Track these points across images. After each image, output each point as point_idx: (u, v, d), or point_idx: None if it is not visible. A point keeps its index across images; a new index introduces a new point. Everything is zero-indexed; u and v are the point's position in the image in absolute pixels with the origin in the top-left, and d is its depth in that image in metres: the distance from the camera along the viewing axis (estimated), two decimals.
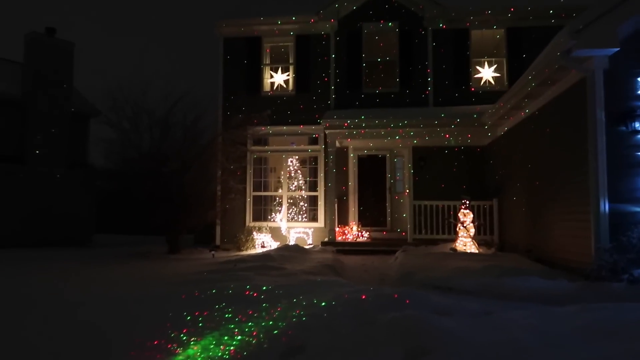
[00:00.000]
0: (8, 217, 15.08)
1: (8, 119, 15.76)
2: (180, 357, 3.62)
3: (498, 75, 13.69)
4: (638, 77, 6.93)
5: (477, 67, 13.77)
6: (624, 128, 6.85)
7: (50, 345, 4.03)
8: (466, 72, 13.65)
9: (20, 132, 15.88)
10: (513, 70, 13.04)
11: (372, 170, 14.40)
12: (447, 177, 13.01)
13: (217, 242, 13.98)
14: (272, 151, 14.49)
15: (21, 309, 5.40)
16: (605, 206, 6.71)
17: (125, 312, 5.01)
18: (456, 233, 11.08)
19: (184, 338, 4.02)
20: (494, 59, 13.84)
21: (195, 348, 3.79)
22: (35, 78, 16.03)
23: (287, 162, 14.22)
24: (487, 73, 13.73)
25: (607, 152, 6.77)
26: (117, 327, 4.44)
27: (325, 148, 13.59)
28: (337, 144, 13.34)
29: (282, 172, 14.28)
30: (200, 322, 4.47)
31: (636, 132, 6.81)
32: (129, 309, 5.15)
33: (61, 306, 5.47)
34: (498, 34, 13.78)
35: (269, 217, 14.12)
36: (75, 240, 16.33)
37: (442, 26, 13.72)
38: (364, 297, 4.83)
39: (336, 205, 13.11)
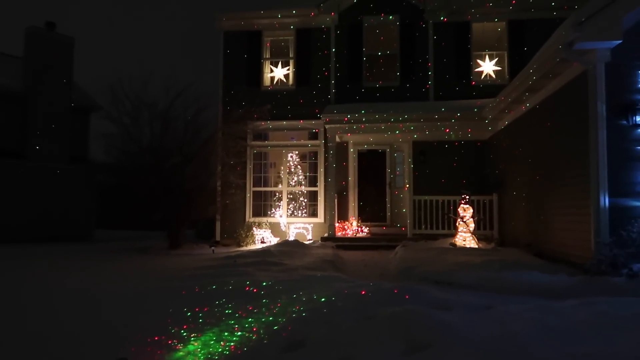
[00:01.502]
0: (8, 213, 15.10)
1: (9, 114, 15.74)
2: (181, 353, 3.62)
3: (499, 68, 13.63)
4: None
5: (478, 61, 13.70)
6: (625, 122, 6.81)
7: (52, 340, 4.03)
8: (467, 65, 13.60)
9: (20, 127, 15.87)
10: (514, 64, 12.98)
11: (372, 165, 14.38)
12: (448, 171, 12.98)
13: (217, 237, 13.98)
14: (272, 146, 14.46)
15: (24, 306, 5.41)
16: (605, 200, 6.69)
17: (126, 308, 5.01)
18: (456, 228, 11.07)
19: (184, 334, 4.02)
20: (495, 52, 13.77)
21: (196, 344, 3.79)
22: (36, 73, 16.00)
23: (287, 157, 14.19)
24: (488, 66, 13.67)
25: (607, 146, 6.74)
26: (118, 323, 4.44)
27: (325, 143, 13.56)
28: (337, 139, 13.31)
29: (282, 167, 14.26)
30: (200, 317, 4.47)
31: (637, 126, 6.78)
32: (130, 305, 5.16)
33: (61, 302, 5.47)
34: (499, 26, 13.71)
35: (269, 212, 14.11)
36: (76, 236, 16.36)
37: (443, 19, 13.65)
38: (363, 292, 4.83)
39: (336, 200, 13.10)
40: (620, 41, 6.65)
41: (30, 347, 3.91)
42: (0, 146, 15.41)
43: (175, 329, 4.14)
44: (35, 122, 15.86)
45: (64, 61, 16.71)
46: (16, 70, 16.59)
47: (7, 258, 10.41)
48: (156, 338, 3.91)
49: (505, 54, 13.51)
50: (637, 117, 6.74)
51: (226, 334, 3.99)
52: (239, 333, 3.98)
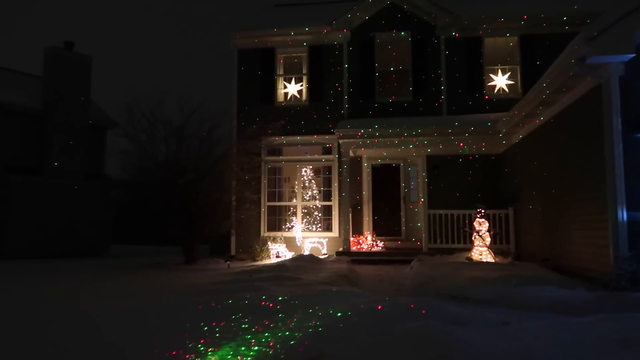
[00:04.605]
0: (27, 229, 15.36)
1: (27, 131, 16.12)
2: None
3: (512, 82, 13.63)
4: None
5: (491, 75, 13.73)
6: None
7: (69, 353, 4.09)
8: (479, 80, 13.62)
9: (38, 144, 16.22)
10: (527, 78, 12.98)
11: (386, 180, 14.37)
12: (462, 185, 12.94)
13: (232, 252, 14.05)
14: (286, 161, 14.56)
15: (43, 321, 5.49)
16: (623, 214, 6.62)
17: (143, 323, 5.07)
18: (472, 242, 11.00)
19: (202, 348, 4.05)
20: (507, 67, 13.79)
21: (213, 359, 3.82)
22: (54, 91, 16.38)
23: (301, 172, 14.28)
24: (500, 81, 13.68)
25: (624, 160, 6.69)
26: (136, 337, 4.49)
27: (339, 157, 13.62)
28: (351, 154, 13.37)
29: (296, 182, 14.33)
30: (217, 332, 4.50)
31: None
32: (148, 319, 5.21)
33: (82, 318, 5.55)
34: (511, 41, 13.75)
35: (284, 227, 14.16)
36: (92, 251, 16.56)
37: (455, 34, 13.73)
38: (379, 307, 4.82)
39: (350, 214, 13.10)
40: (634, 55, 6.64)
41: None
42: (19, 163, 15.76)
43: (193, 343, 4.18)
44: (53, 139, 16.19)
45: (82, 79, 17.09)
46: (35, 89, 17.00)
47: (29, 273, 10.57)
48: (174, 352, 3.95)
49: (518, 68, 13.52)
50: None
51: (243, 348, 4.01)
52: (256, 348, 4.00)
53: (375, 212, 14.18)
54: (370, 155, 14.30)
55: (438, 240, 12.07)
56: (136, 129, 12.73)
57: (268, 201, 14.35)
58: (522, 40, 13.46)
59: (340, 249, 12.69)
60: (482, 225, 10.88)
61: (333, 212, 13.91)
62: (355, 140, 12.86)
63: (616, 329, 3.87)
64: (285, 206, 14.38)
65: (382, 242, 13.29)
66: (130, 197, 15.02)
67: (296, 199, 14.25)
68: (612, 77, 6.78)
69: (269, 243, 13.21)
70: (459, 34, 13.72)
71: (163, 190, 12.24)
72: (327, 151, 14.27)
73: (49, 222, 15.79)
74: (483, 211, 11.07)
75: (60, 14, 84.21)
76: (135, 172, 13.14)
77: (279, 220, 14.32)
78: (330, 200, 14.02)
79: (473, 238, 10.93)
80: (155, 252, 17.08)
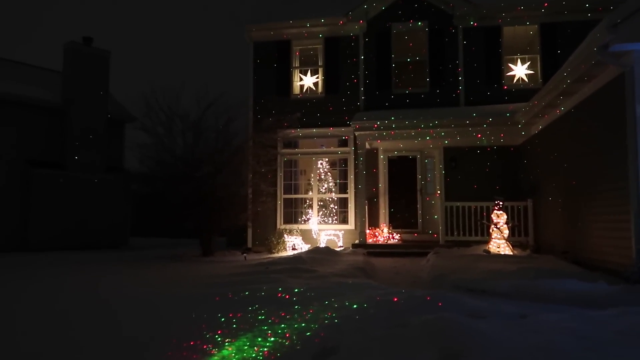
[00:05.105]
0: (49, 221, 15.67)
1: (48, 126, 16.39)
2: (216, 358, 3.68)
3: (531, 72, 13.38)
4: None
5: (510, 65, 13.50)
6: None
7: (91, 343, 4.16)
8: (498, 70, 13.41)
9: (59, 139, 16.49)
10: (547, 67, 12.73)
11: (403, 172, 14.29)
12: (480, 177, 12.79)
13: (249, 244, 14.14)
14: (302, 154, 14.57)
15: (66, 310, 5.60)
16: None
17: (162, 313, 5.13)
18: (489, 234, 10.88)
19: (219, 339, 4.09)
20: (527, 56, 13.54)
21: (230, 349, 3.85)
22: (74, 86, 16.62)
23: (317, 164, 14.27)
24: (520, 70, 13.44)
25: None
26: (155, 328, 4.55)
27: (355, 150, 13.58)
28: (367, 146, 13.30)
29: (312, 175, 14.34)
30: (234, 323, 4.53)
31: None
32: (166, 310, 5.28)
33: (102, 308, 5.64)
34: (531, 30, 13.49)
35: (300, 219, 14.19)
36: (112, 243, 16.83)
37: (473, 24, 13.52)
38: (396, 299, 4.80)
39: (366, 207, 13.06)
40: None
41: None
42: (41, 157, 16.05)
43: (210, 334, 4.22)
44: (73, 133, 16.45)
45: (101, 74, 17.30)
46: (55, 84, 17.26)
47: (53, 265, 10.80)
48: (192, 343, 3.99)
49: (538, 57, 13.27)
50: None
51: (259, 339, 4.03)
52: (272, 339, 4.02)
53: (391, 204, 14.11)
54: (386, 147, 14.21)
55: (455, 233, 11.97)
56: (154, 123, 12.86)
57: (284, 194, 14.39)
58: (543, 28, 13.20)
59: (357, 242, 12.68)
60: (500, 218, 10.76)
61: (349, 205, 13.89)
62: (371, 132, 12.79)
63: (638, 322, 3.79)
64: (302, 199, 14.41)
65: (399, 235, 13.24)
66: (149, 190, 15.21)
67: (312, 191, 14.26)
68: (636, 65, 6.62)
69: (285, 235, 13.26)
70: (477, 23, 13.50)
71: (180, 183, 12.35)
72: (343, 143, 14.23)
73: (70, 214, 16.08)
74: (501, 203, 10.94)
75: (79, 10, 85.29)
76: (154, 166, 13.28)
77: (295, 212, 14.36)
78: (347, 193, 14.00)
79: (491, 230, 10.82)
80: (173, 245, 17.29)
